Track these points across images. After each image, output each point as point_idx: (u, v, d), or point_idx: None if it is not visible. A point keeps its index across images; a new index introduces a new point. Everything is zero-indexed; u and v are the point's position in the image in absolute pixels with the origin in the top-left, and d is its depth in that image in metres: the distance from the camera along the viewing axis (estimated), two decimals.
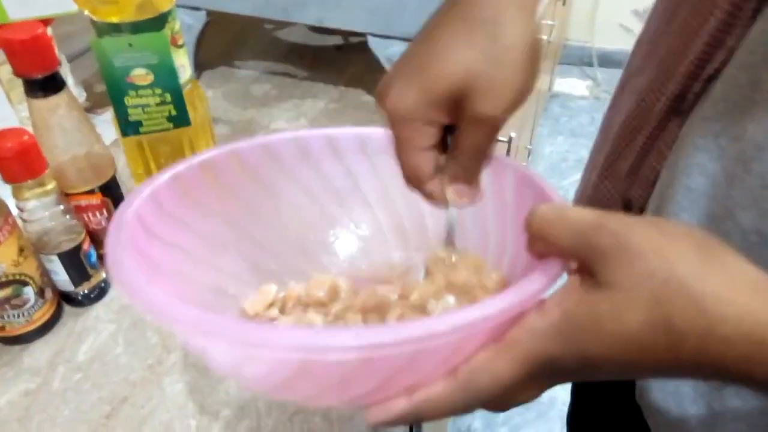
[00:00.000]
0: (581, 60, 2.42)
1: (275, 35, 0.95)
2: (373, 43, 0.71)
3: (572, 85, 2.38)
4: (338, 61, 0.89)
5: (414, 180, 0.34)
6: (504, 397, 0.27)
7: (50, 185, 0.46)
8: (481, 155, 0.33)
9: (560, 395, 1.37)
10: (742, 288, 0.22)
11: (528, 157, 1.67)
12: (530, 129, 1.71)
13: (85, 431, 0.44)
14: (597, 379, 0.26)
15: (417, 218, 0.43)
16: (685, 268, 0.23)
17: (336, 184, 0.43)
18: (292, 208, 0.43)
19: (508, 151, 1.06)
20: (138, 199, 0.33)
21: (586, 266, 0.25)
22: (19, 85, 0.49)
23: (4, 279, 0.45)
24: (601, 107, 2.29)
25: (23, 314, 0.48)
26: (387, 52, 0.71)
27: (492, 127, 0.31)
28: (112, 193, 0.52)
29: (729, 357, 0.22)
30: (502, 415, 1.35)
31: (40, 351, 0.49)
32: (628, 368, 0.25)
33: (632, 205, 0.43)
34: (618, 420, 0.54)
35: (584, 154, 2.06)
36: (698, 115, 0.36)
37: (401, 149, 0.33)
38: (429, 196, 0.34)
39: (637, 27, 2.29)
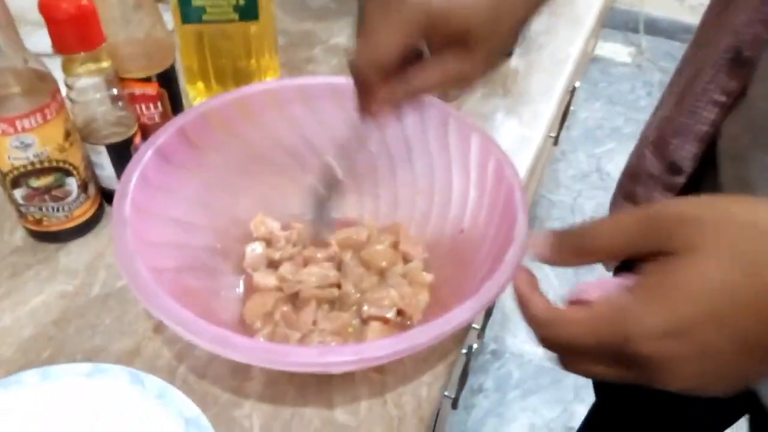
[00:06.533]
0: (626, 25, 2.30)
1: None
2: None
3: (614, 50, 2.27)
4: None
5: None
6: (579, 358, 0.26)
7: (105, 62, 0.40)
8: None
9: None
10: None
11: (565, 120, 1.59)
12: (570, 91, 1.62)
13: (130, 343, 0.39)
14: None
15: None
16: None
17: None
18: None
19: (570, 103, 1.00)
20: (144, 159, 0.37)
21: (651, 253, 0.24)
22: None
23: (47, 164, 0.40)
24: (643, 76, 2.20)
25: (63, 208, 0.42)
26: None
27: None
28: (169, 84, 0.45)
29: None
30: (515, 378, 1.32)
31: (78, 252, 0.44)
32: (725, 327, 0.23)
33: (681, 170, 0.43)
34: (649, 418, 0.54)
35: (620, 122, 1.99)
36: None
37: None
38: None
39: None
